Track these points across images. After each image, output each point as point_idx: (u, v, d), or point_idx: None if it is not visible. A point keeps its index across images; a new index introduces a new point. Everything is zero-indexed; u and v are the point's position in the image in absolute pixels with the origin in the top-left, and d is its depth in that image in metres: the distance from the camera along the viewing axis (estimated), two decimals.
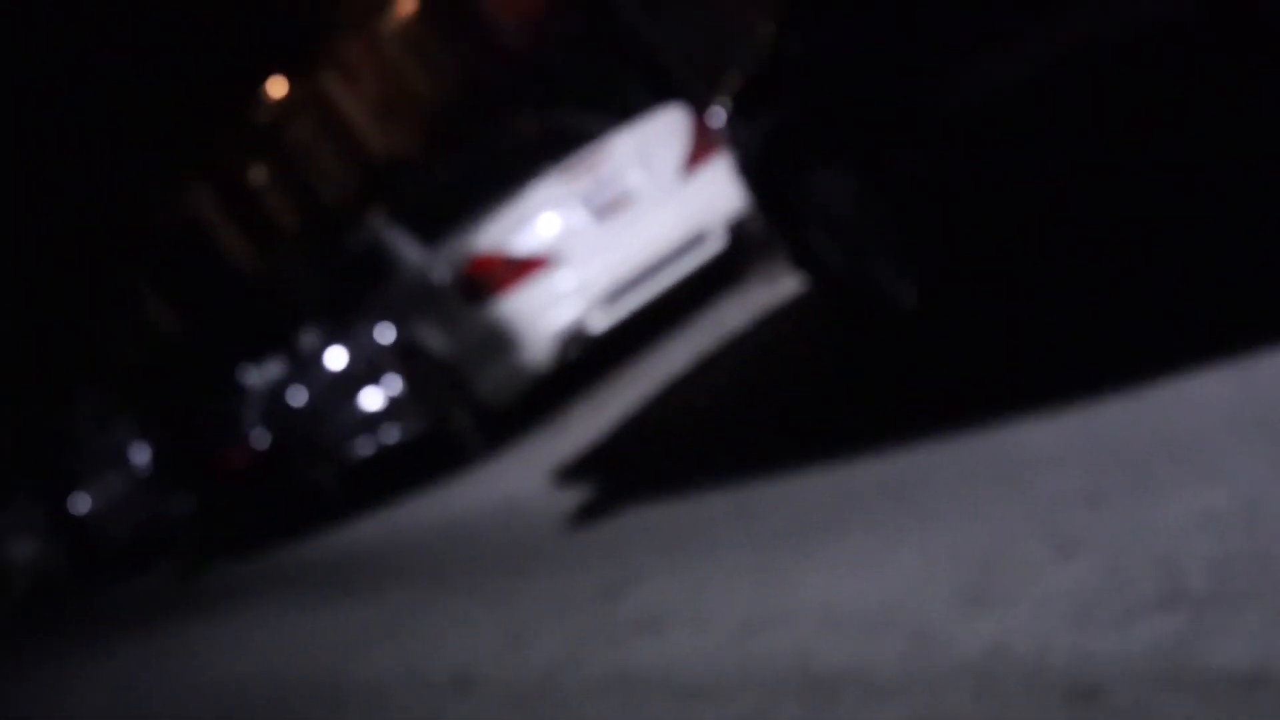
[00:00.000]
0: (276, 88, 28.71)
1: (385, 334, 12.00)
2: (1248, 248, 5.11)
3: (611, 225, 10.87)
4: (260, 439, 16.01)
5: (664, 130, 11.32)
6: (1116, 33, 4.74)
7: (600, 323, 10.81)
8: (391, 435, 12.80)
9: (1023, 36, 5.14)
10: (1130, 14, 4.65)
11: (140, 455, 20.56)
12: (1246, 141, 4.79)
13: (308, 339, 13.64)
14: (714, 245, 11.05)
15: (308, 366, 13.83)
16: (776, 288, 9.63)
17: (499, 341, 10.78)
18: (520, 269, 10.67)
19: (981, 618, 3.76)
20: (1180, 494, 3.70)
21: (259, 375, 15.88)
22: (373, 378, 12.54)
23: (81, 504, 23.38)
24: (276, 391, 14.91)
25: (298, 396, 14.32)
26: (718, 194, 10.78)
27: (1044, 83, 5.16)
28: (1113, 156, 5.21)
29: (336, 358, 13.09)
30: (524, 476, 9.62)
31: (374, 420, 12.91)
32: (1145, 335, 4.95)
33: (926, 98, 5.76)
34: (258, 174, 32.09)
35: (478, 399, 11.22)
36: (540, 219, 10.77)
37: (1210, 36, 4.49)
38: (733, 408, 7.72)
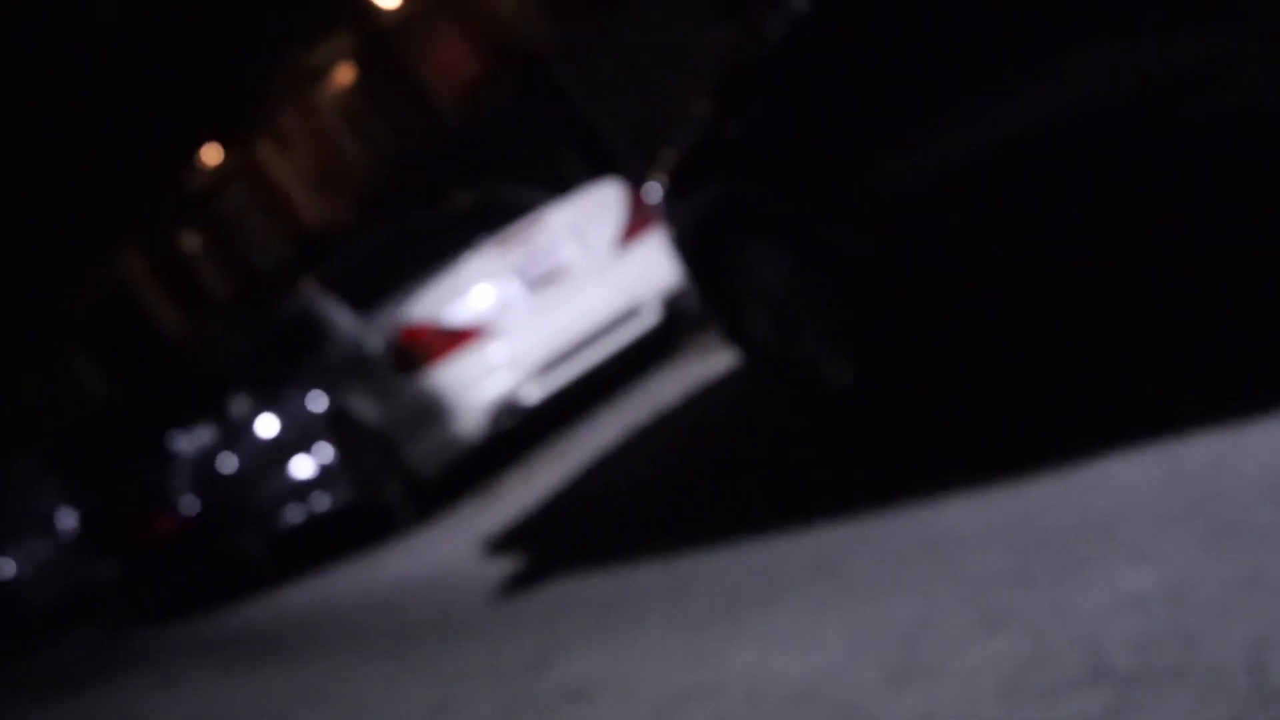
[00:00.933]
0: (210, 155, 28.68)
1: (317, 402, 11.97)
2: (1178, 332, 5.17)
3: (545, 298, 10.90)
4: (189, 505, 15.92)
5: (600, 204, 11.37)
6: (1054, 117, 4.80)
7: (533, 395, 10.82)
8: (321, 504, 12.75)
9: (961, 120, 5.20)
10: (1073, 102, 4.71)
11: (66, 520, 20.41)
12: (1178, 226, 4.85)
13: (238, 406, 13.60)
14: (648, 319, 11.08)
15: (238, 434, 13.78)
16: (709, 362, 9.66)
17: (431, 412, 10.77)
18: (453, 340, 10.67)
19: (907, 693, 3.78)
20: (1106, 575, 3.73)
21: (188, 441, 15.79)
22: (303, 446, 12.50)
23: (5, 568, 23.17)
24: (206, 458, 14.84)
25: (227, 463, 14.25)
26: (652, 268, 10.82)
27: (982, 167, 5.21)
28: (1047, 241, 5.26)
29: (267, 425, 13.05)
30: (454, 547, 9.60)
31: (304, 488, 12.86)
32: (1075, 418, 4.99)
33: (864, 178, 5.81)
34: (190, 241, 32.02)
35: (409, 469, 11.19)
36: (474, 290, 10.78)
37: (1151, 125, 4.56)
38: (664, 481, 7.73)
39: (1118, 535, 3.89)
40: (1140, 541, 3.79)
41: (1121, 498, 4.09)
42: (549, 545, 8.06)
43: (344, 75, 25.63)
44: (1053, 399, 5.31)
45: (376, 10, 23.63)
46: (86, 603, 20.83)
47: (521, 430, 11.24)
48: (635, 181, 12.34)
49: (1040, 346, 6.00)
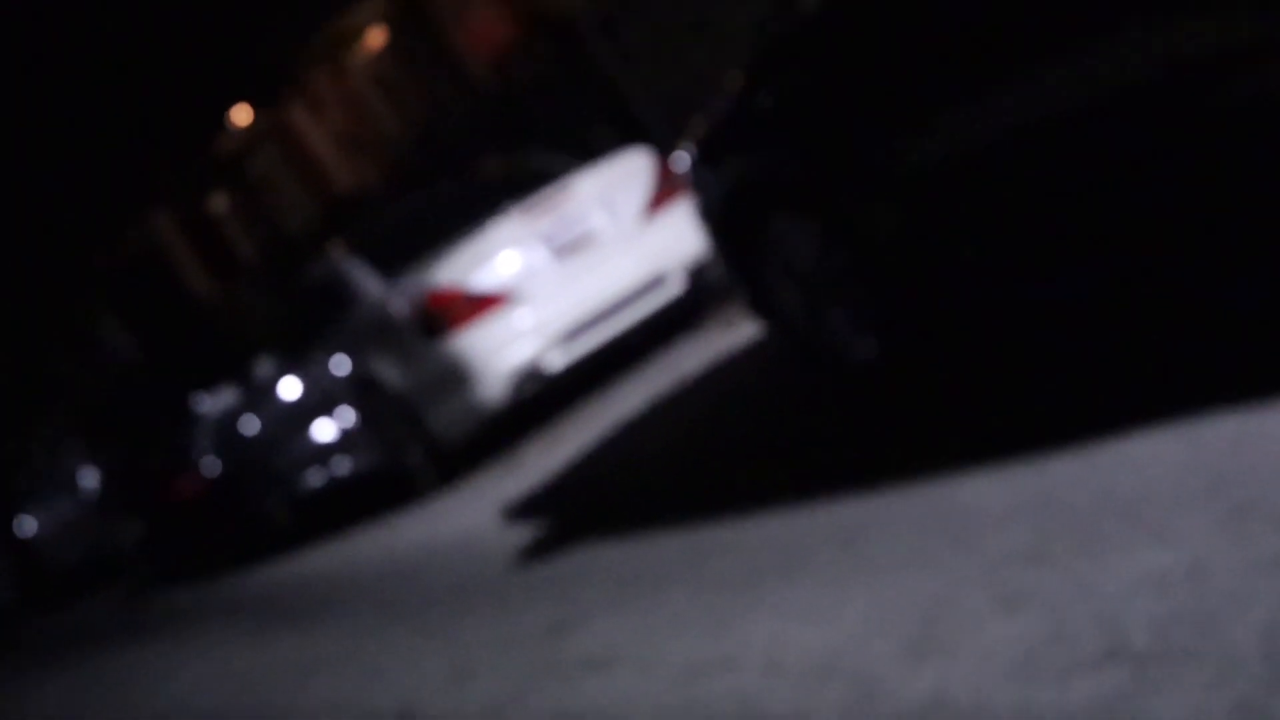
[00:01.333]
0: (241, 117, 28.67)
1: (341, 366, 11.97)
2: (1200, 311, 5.16)
3: (572, 265, 10.88)
4: (211, 467, 15.95)
5: (627, 173, 11.35)
6: (1084, 97, 4.77)
7: (557, 362, 10.80)
8: (344, 467, 12.76)
9: (990, 100, 5.18)
10: (1099, 81, 4.68)
11: (89, 480, 20.42)
12: (1201, 204, 4.82)
13: (263, 368, 13.61)
14: (673, 288, 11.06)
15: (262, 396, 13.79)
16: (734, 333, 9.65)
17: (455, 377, 10.77)
18: (478, 305, 10.66)
19: (924, 668, 3.77)
20: (1126, 553, 3.72)
21: (212, 403, 15.81)
22: (327, 409, 12.51)
23: (28, 527, 23.19)
24: (229, 420, 14.87)
25: (250, 426, 14.28)
26: (679, 238, 10.80)
27: (1011, 145, 5.19)
28: (1074, 220, 5.24)
29: (291, 388, 13.06)
30: (475, 513, 9.61)
31: (326, 452, 12.87)
32: (1097, 396, 4.98)
33: (894, 153, 5.79)
34: (219, 203, 32.04)
35: (432, 434, 11.19)
36: (500, 256, 10.77)
37: (1172, 109, 4.53)
38: (687, 451, 7.73)
39: (1138, 514, 3.88)
40: (1161, 521, 3.78)
41: (1142, 477, 4.08)
42: (570, 514, 8.06)
43: (377, 40, 25.59)
44: (1075, 377, 5.30)
45: None
46: (108, 563, 20.86)
47: (545, 398, 11.24)
48: (664, 150, 12.31)
49: (1064, 325, 5.98)
